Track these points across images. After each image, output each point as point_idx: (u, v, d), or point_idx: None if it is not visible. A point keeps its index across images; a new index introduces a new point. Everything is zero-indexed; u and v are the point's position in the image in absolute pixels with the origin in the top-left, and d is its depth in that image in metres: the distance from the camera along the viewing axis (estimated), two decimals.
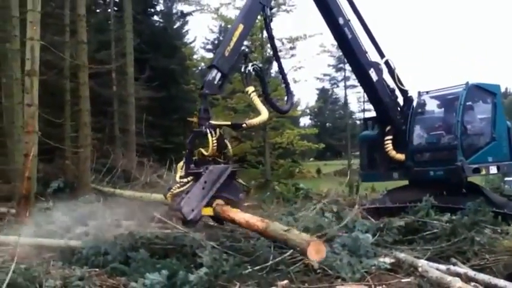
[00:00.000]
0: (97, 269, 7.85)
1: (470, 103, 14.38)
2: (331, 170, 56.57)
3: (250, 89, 11.79)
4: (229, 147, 11.13)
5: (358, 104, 54.58)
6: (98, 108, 24.04)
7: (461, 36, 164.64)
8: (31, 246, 9.22)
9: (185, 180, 10.38)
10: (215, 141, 10.48)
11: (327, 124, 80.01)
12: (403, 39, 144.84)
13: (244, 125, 11.74)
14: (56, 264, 8.09)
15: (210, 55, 46.53)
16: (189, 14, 42.94)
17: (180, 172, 10.70)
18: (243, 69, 11.80)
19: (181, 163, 11.00)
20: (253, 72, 11.97)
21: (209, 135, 10.43)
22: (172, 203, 10.26)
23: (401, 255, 8.25)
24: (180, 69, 40.48)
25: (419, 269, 7.45)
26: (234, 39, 11.42)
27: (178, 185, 10.34)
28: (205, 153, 10.55)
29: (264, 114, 11.60)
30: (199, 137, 10.83)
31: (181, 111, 38.61)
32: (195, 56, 44.65)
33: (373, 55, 15.11)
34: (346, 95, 48.45)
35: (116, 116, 30.95)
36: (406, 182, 15.53)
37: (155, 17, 43.70)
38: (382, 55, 15.27)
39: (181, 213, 9.52)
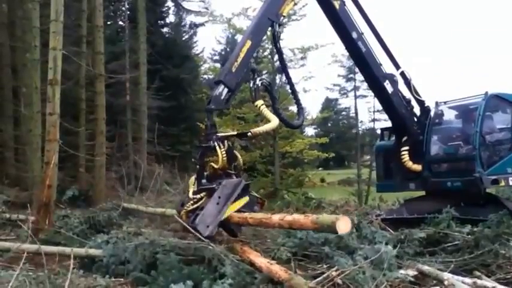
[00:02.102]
0: (118, 278, 7.85)
1: (489, 113, 14.21)
2: (335, 179, 56.41)
3: (259, 102, 11.90)
4: (240, 158, 11.19)
5: (368, 114, 54.32)
6: (110, 117, 24.15)
7: (481, 45, 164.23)
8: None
9: (198, 196, 10.38)
10: (224, 153, 10.51)
11: (331, 134, 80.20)
12: (420, 49, 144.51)
13: (249, 134, 11.71)
14: (77, 272, 8.05)
15: (218, 66, 46.91)
16: (202, 24, 43.20)
17: (192, 188, 10.70)
18: (251, 84, 11.83)
19: (192, 179, 11.04)
20: (261, 87, 12.01)
21: (218, 148, 10.49)
22: (187, 220, 10.23)
23: (425, 268, 8.15)
24: (189, 79, 40.72)
25: (445, 283, 7.28)
26: (242, 55, 11.45)
27: (191, 201, 10.36)
28: (216, 166, 10.57)
29: (273, 121, 11.66)
30: (209, 152, 10.86)
31: (189, 120, 39.00)
32: (203, 67, 45.13)
33: (388, 66, 15.08)
34: (356, 105, 48.18)
35: (128, 125, 31.21)
36: (422, 193, 15.48)
37: (165, 29, 43.91)
38: (397, 66, 15.18)
39: (197, 230, 9.48)
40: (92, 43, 23.03)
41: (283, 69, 14.07)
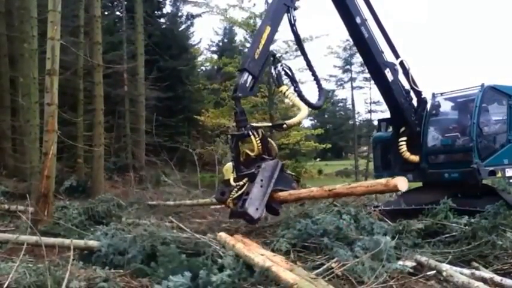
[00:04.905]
0: (118, 269, 7.86)
1: (485, 105, 14.24)
2: (333, 170, 56.60)
3: (285, 88, 12.32)
4: (274, 144, 11.44)
5: (365, 105, 54.66)
6: (108, 108, 24.21)
7: (476, 37, 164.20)
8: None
9: (241, 183, 10.61)
10: (259, 141, 10.73)
11: (328, 125, 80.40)
12: (417, 40, 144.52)
13: (284, 126, 12.29)
14: (76, 264, 8.05)
15: (215, 56, 47.17)
16: (198, 15, 43.26)
17: (232, 175, 10.88)
18: (272, 70, 12.05)
19: (226, 166, 11.35)
20: (282, 72, 12.21)
21: (252, 137, 10.72)
22: (235, 207, 10.51)
23: (423, 259, 8.18)
24: (187, 70, 40.73)
25: (444, 274, 7.36)
26: (263, 41, 11.71)
27: (236, 189, 10.55)
28: (251, 154, 10.82)
29: (304, 110, 11.94)
30: (242, 139, 11.12)
31: (186, 111, 39.01)
32: (200, 58, 45.19)
33: (388, 55, 15.08)
34: (352, 96, 48.35)
35: (127, 116, 31.23)
36: (419, 184, 15.53)
37: (162, 19, 43.91)
38: (397, 55, 15.21)
39: (248, 214, 9.93)
40: (89, 33, 23.01)
41: (302, 52, 14.16)
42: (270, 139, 11.62)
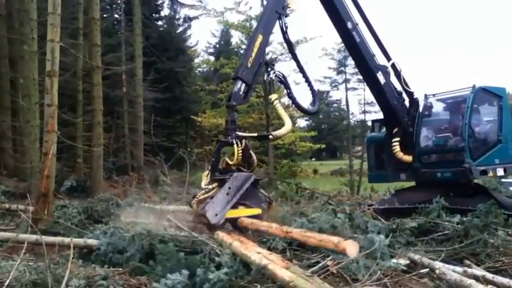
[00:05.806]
0: (117, 267, 7.93)
1: (476, 106, 14.42)
2: (328, 169, 56.76)
3: (273, 96, 12.25)
4: (254, 157, 11.44)
5: (359, 106, 54.86)
6: (107, 108, 24.32)
7: (465, 38, 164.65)
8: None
9: (210, 186, 10.66)
10: (240, 151, 10.80)
11: (322, 125, 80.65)
12: (407, 41, 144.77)
13: (270, 137, 12.49)
14: (76, 262, 8.16)
15: (212, 58, 47.38)
16: (195, 18, 43.39)
17: (205, 180, 10.97)
18: (265, 77, 12.13)
19: (206, 173, 11.32)
20: (275, 79, 12.29)
21: (235, 145, 10.76)
22: (197, 208, 10.51)
23: (417, 257, 8.26)
24: (184, 72, 40.89)
25: (437, 271, 7.45)
26: (255, 49, 11.77)
27: (203, 191, 10.62)
28: (230, 162, 10.88)
29: (288, 124, 11.96)
30: (225, 147, 11.19)
31: (184, 112, 39.18)
32: (197, 60, 45.35)
33: (379, 58, 15.25)
34: (347, 98, 48.53)
35: (125, 116, 31.40)
36: (412, 183, 15.69)
37: (160, 22, 44.09)
38: (388, 58, 15.36)
39: (205, 217, 9.79)
40: (88, 35, 23.08)
41: (294, 58, 14.28)
42: (252, 153, 11.57)
